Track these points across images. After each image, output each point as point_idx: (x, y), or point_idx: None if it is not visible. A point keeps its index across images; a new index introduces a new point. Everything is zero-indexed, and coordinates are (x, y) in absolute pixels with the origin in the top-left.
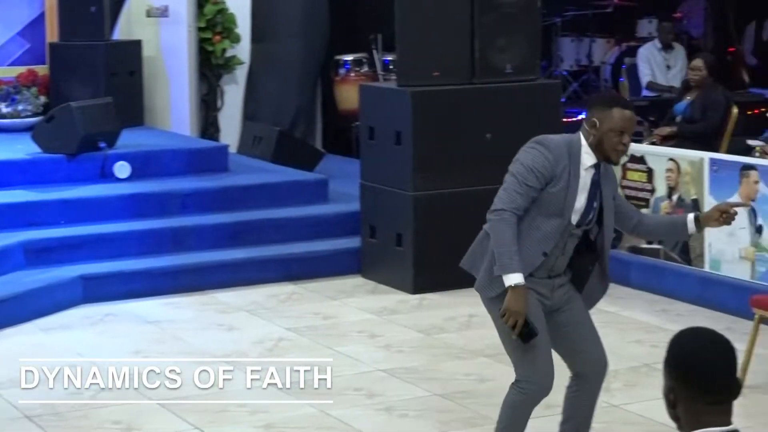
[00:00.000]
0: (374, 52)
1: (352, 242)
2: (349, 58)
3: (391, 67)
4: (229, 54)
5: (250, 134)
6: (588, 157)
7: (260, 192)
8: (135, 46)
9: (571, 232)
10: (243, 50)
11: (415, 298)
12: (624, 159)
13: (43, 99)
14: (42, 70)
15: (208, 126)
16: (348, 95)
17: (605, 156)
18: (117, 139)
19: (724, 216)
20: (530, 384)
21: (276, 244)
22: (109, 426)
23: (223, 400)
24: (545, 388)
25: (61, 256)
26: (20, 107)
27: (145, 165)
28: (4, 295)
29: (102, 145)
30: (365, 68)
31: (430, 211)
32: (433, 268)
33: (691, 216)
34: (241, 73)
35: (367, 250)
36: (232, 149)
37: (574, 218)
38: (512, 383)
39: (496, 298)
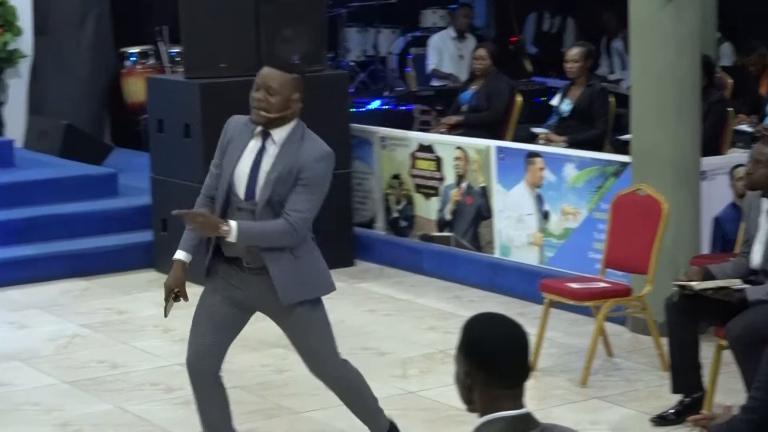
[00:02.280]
0: (160, 44)
1: (144, 236)
2: (135, 50)
3: (177, 59)
4: (11, 47)
5: (36, 128)
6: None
7: (48, 187)
8: None
9: (239, 207)
10: (26, 43)
11: None
12: (413, 148)
13: None
14: None
15: None
16: (135, 88)
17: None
18: None
19: None
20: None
21: (66, 239)
22: None
23: (15, 400)
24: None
25: None
26: None
27: None
28: None
29: None
30: (152, 60)
31: None
32: None
33: None
34: (25, 66)
35: (159, 244)
36: (18, 144)
37: (240, 191)
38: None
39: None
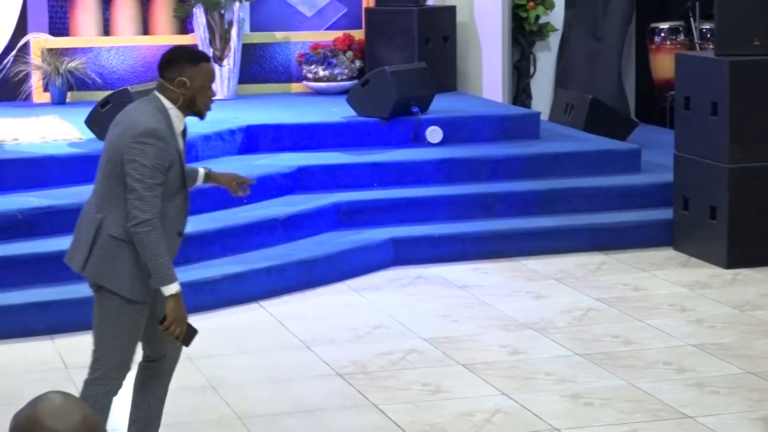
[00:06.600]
0: (691, 20)
1: (664, 214)
2: (664, 26)
3: (708, 36)
4: (542, 21)
5: (563, 102)
6: (179, 121)
7: (571, 160)
8: (449, 11)
9: (186, 197)
10: (556, 17)
11: (729, 273)
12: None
13: (358, 63)
14: (358, 34)
15: (520, 93)
16: (663, 64)
17: (196, 113)
18: (430, 104)
19: (237, 186)
20: (110, 379)
21: (585, 213)
22: (417, 388)
23: (529, 368)
24: (122, 383)
25: (372, 218)
26: (336, 71)
27: (456, 130)
28: (318, 255)
29: (415, 109)
30: (681, 37)
31: (746, 184)
32: (749, 242)
33: (202, 171)
34: (554, 39)
35: (680, 223)
36: (544, 116)
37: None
38: (93, 380)
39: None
